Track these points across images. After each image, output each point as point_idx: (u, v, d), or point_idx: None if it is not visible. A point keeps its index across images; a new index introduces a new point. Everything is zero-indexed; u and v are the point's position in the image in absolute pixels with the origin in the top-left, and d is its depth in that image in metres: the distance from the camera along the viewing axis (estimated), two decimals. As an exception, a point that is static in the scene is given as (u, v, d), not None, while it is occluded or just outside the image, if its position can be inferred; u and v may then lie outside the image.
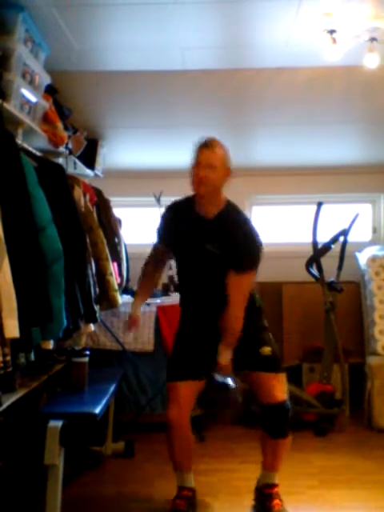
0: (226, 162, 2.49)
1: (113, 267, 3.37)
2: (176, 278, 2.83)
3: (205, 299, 2.59)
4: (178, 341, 2.70)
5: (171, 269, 4.23)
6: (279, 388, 2.53)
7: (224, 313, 2.49)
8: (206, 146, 2.46)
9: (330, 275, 3.93)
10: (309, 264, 3.94)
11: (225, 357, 2.48)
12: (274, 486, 2.59)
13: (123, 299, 3.67)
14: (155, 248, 2.78)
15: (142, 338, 3.69)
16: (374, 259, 4.17)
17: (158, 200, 4.15)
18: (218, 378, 2.50)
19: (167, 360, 2.73)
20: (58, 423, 2.34)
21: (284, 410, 2.51)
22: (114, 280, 3.34)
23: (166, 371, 2.71)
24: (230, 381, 2.50)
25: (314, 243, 3.91)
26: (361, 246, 4.43)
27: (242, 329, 2.50)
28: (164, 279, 4.31)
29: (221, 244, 2.48)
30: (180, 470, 2.63)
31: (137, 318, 2.81)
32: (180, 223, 2.62)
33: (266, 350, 2.56)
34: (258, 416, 2.62)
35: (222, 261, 2.49)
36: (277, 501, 2.54)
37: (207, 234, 2.52)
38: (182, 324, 2.72)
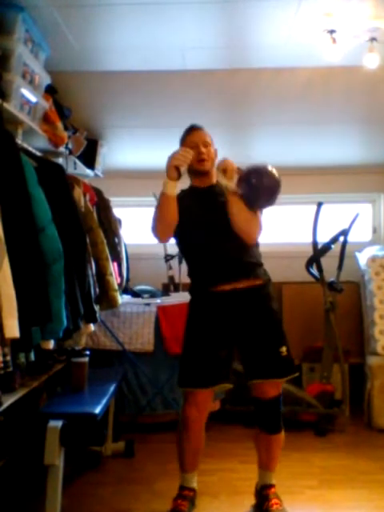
0: (212, 141, 2.69)
1: (113, 267, 3.37)
2: (186, 263, 2.72)
3: (221, 265, 2.54)
4: (192, 338, 2.59)
5: (171, 269, 4.24)
6: (276, 386, 2.55)
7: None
8: (197, 129, 2.67)
9: (330, 275, 3.93)
10: (309, 264, 3.95)
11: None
12: (271, 486, 2.61)
13: (123, 299, 3.67)
14: None
15: (142, 338, 3.69)
16: (373, 259, 4.17)
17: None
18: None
19: (181, 359, 2.61)
20: (58, 423, 2.34)
21: (277, 403, 2.54)
22: (114, 280, 3.34)
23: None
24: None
25: (314, 243, 3.91)
26: (361, 246, 4.43)
27: (260, 320, 2.54)
28: (164, 279, 4.32)
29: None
30: (187, 470, 2.63)
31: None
32: (187, 206, 2.60)
33: (284, 349, 2.54)
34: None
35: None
36: (275, 500, 2.55)
37: (216, 193, 2.62)
38: (193, 316, 2.62)
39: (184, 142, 2.66)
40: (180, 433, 2.59)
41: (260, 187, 2.50)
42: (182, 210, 2.57)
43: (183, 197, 2.63)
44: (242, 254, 2.57)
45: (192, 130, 2.67)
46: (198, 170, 2.63)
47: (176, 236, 2.65)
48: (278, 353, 2.52)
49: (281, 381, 2.57)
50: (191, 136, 2.65)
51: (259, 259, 2.65)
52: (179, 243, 2.71)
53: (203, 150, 2.60)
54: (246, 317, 2.54)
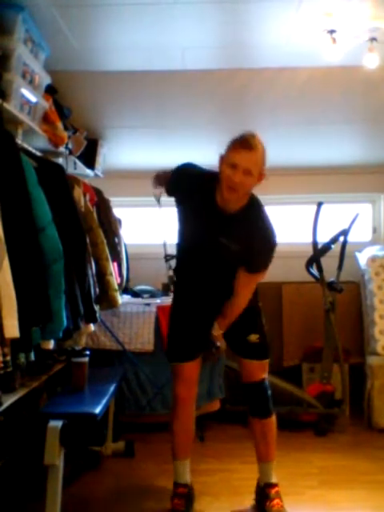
0: (262, 165, 2.33)
1: (113, 267, 3.37)
2: (176, 248, 2.77)
3: (205, 285, 2.62)
4: (176, 318, 2.72)
5: (171, 269, 4.24)
6: (260, 369, 2.63)
7: (226, 300, 2.56)
8: (247, 148, 2.26)
9: (330, 275, 3.93)
10: (309, 264, 3.94)
11: (217, 330, 2.59)
12: (274, 485, 2.61)
13: (123, 299, 3.67)
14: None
15: (142, 338, 3.69)
16: (373, 259, 4.17)
17: (158, 200, 4.15)
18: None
19: (168, 336, 2.77)
20: (58, 423, 2.34)
21: (262, 386, 2.61)
22: (114, 280, 3.34)
23: (167, 366, 2.78)
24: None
25: (314, 243, 3.91)
26: (361, 246, 4.43)
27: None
28: (164, 279, 4.31)
29: (236, 241, 2.42)
30: (177, 456, 2.66)
31: None
32: (197, 200, 2.47)
33: (254, 337, 2.63)
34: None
35: (233, 256, 2.47)
36: (277, 501, 2.55)
37: (224, 227, 2.42)
38: (177, 298, 2.75)
39: (226, 155, 2.30)
40: (171, 413, 2.67)
41: None
42: (192, 201, 2.50)
43: (202, 191, 2.44)
44: (228, 293, 2.56)
45: (241, 147, 2.26)
46: (222, 194, 2.34)
47: (179, 231, 2.63)
48: (246, 340, 2.63)
49: (251, 361, 2.63)
50: (237, 155, 2.26)
51: None
52: (178, 238, 2.67)
53: (238, 179, 2.25)
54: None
